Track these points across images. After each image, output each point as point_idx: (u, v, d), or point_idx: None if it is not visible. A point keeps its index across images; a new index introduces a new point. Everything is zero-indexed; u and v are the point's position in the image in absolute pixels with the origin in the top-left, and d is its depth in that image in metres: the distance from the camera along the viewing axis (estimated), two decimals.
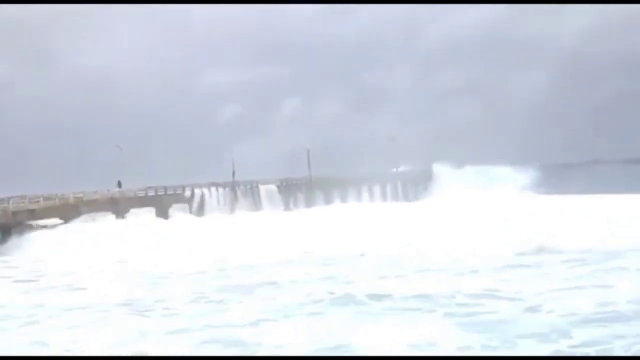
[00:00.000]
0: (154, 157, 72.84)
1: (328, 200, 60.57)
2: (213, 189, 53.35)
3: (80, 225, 41.22)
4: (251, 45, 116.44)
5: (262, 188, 57.26)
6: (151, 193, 49.63)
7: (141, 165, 59.16)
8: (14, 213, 40.64)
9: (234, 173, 59.67)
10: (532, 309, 13.13)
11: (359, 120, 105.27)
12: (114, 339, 12.30)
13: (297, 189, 60.73)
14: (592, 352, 10.35)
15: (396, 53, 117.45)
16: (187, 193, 51.34)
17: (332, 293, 15.67)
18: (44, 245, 33.93)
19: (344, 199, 61.47)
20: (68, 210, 43.28)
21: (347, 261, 21.60)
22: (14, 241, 37.09)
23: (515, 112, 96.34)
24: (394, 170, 69.06)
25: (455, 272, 18.16)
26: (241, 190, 55.82)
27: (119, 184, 50.47)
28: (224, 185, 54.75)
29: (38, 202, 41.81)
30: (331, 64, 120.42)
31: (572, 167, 64.82)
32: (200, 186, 52.70)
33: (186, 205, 50.96)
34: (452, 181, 66.44)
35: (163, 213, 48.62)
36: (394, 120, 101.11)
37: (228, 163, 59.91)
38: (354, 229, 33.49)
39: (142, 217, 45.64)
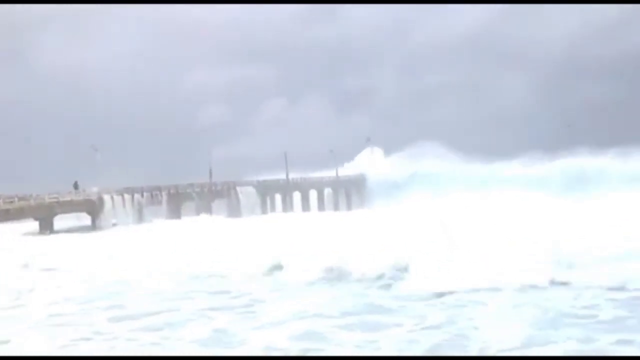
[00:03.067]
0: (133, 158, 72.12)
1: (305, 206, 60.58)
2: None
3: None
4: (234, 46, 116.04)
5: (239, 190, 57.02)
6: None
7: (119, 165, 58.44)
8: None
9: (210, 174, 59.52)
10: None
11: (341, 122, 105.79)
12: None
13: (274, 191, 60.55)
14: None
15: (381, 55, 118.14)
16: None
17: None
18: None
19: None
20: (43, 211, 42.62)
21: None
22: None
23: (489, 115, 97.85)
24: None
25: None
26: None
27: (76, 185, 47.88)
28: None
29: (12, 202, 41.06)
30: (315, 65, 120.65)
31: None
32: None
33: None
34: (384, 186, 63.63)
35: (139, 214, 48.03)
36: (375, 122, 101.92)
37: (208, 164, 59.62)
38: None
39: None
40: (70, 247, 27.70)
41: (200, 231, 31.58)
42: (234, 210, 54.29)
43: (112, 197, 47.07)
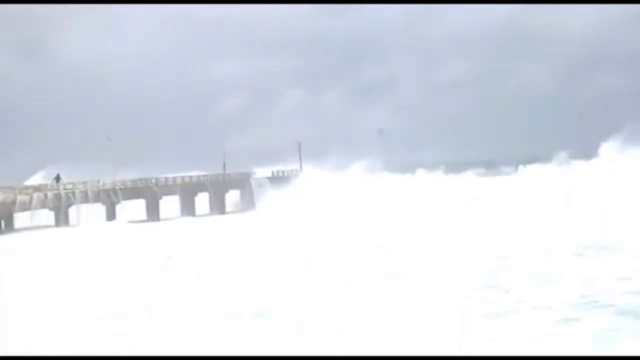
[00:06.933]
0: (150, 148, 72.48)
1: None
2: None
3: None
4: (252, 37, 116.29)
5: (253, 182, 56.79)
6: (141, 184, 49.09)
7: (136, 156, 58.66)
8: (3, 204, 40.32)
9: (224, 164, 59.38)
10: None
11: (356, 113, 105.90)
12: None
13: (286, 181, 60.18)
14: None
15: (398, 48, 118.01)
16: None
17: None
18: None
19: None
20: (59, 202, 43.00)
21: None
22: None
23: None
24: None
25: None
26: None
27: (58, 178, 45.38)
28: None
29: (28, 193, 41.49)
30: (332, 57, 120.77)
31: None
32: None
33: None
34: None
35: (153, 206, 48.16)
36: (389, 113, 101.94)
37: (226, 154, 59.38)
38: None
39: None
40: None
41: None
42: (248, 203, 54.15)
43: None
